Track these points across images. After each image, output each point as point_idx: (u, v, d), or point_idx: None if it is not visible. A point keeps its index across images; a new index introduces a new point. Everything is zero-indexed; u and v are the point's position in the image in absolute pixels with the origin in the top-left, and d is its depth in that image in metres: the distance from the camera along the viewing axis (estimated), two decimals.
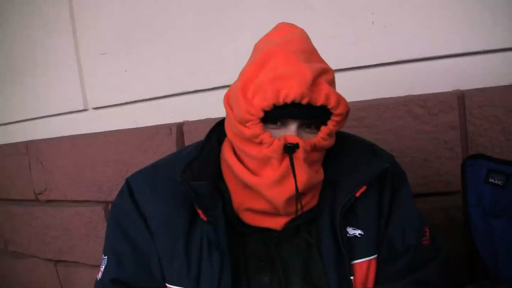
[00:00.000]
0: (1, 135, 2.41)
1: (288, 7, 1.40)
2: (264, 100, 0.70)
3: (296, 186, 0.72)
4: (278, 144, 0.71)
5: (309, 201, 0.81)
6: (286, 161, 0.72)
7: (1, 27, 2.24)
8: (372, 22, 1.28)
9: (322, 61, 0.79)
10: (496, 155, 1.02)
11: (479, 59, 1.20)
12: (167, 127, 1.62)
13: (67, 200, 2.01)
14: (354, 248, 0.80)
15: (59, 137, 2.06)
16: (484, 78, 1.20)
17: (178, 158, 0.87)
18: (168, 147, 1.61)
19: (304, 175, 0.73)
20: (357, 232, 0.82)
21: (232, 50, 1.49)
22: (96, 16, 1.85)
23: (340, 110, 0.73)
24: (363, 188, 0.80)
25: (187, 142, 1.59)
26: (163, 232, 0.81)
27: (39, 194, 2.13)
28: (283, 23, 0.84)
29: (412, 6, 1.23)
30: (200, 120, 1.57)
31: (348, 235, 0.81)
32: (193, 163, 0.79)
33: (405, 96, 1.27)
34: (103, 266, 0.85)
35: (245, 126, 0.73)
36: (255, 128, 0.72)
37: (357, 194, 0.80)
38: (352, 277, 0.79)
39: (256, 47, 0.82)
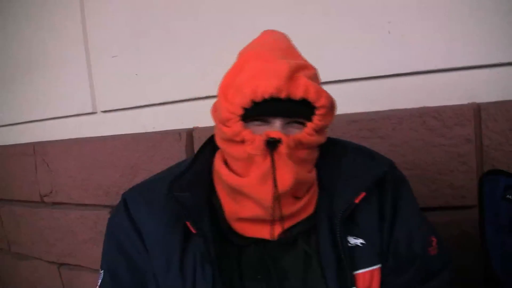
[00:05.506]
0: (8, 135, 2.41)
1: (304, 13, 1.38)
2: (242, 98, 0.70)
3: (275, 180, 0.70)
4: (259, 140, 0.71)
5: (305, 208, 0.79)
6: (270, 157, 0.71)
7: (11, 28, 2.24)
8: (389, 31, 1.26)
9: (301, 58, 0.79)
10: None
11: (496, 72, 1.18)
12: (177, 132, 1.61)
13: (72, 203, 1.99)
14: (356, 258, 0.77)
15: (66, 139, 2.06)
16: (501, 91, 1.18)
17: (174, 172, 0.85)
18: (177, 153, 1.60)
19: (288, 171, 0.71)
20: (359, 241, 0.78)
21: None
22: (108, 19, 1.85)
23: (321, 102, 0.72)
24: (363, 195, 0.77)
25: (197, 148, 1.57)
26: (158, 247, 0.80)
27: (44, 196, 2.12)
28: (267, 30, 0.85)
29: (430, 17, 1.22)
30: (210, 127, 1.54)
31: (349, 244, 0.77)
32: (183, 176, 0.80)
33: (420, 107, 1.25)
34: (100, 281, 0.84)
35: (226, 126, 0.74)
36: (236, 126, 0.72)
37: (357, 201, 0.77)
38: None
39: (239, 54, 0.82)
